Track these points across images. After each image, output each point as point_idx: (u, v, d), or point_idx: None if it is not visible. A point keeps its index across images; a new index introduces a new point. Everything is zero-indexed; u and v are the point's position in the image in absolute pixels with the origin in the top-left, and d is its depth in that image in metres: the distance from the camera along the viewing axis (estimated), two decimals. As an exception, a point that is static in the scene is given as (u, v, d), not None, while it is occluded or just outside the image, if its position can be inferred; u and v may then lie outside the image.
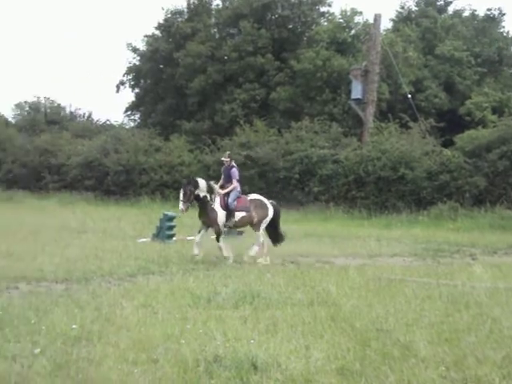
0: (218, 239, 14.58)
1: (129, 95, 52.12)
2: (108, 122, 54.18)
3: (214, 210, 14.57)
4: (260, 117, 39.47)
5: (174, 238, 18.35)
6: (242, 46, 43.23)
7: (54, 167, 41.91)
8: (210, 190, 14.69)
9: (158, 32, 49.57)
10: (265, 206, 15.16)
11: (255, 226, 15.08)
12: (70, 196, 37.38)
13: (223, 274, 12.10)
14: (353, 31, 41.60)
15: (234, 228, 15.78)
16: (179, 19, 48.45)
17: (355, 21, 41.72)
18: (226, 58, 44.54)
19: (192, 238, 16.28)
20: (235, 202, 14.81)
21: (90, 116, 60.60)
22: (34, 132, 50.73)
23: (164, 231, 18.19)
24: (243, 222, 15.11)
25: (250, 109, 42.03)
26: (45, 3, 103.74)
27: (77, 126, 52.32)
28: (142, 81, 51.17)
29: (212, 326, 7.74)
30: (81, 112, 61.25)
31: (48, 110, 59.52)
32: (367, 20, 39.97)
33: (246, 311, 8.77)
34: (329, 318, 8.38)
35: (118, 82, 51.06)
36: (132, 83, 51.11)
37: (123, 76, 50.97)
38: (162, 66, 48.17)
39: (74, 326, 7.64)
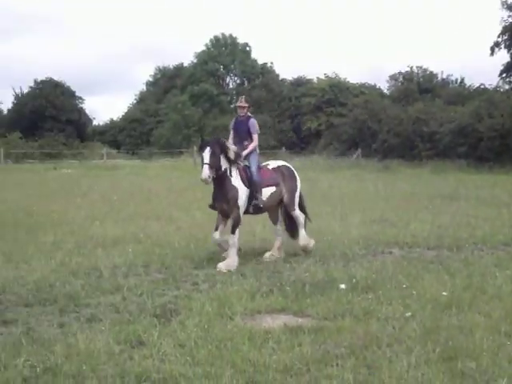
0: (233, 230, 10.05)
1: (504, 56, 49.32)
2: (482, 87, 52.34)
3: (234, 187, 10.17)
4: None
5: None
6: None
7: (426, 135, 42.15)
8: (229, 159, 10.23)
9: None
10: (293, 175, 11.09)
11: (288, 205, 10.90)
12: (442, 164, 37.20)
13: None
14: None
15: (257, 213, 10.88)
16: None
17: None
18: None
19: None
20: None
21: (462, 81, 59.52)
22: (407, 102, 51.65)
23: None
24: (272, 202, 10.79)
25: None
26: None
27: (449, 92, 51.69)
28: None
29: None
30: (453, 78, 60.57)
31: (420, 79, 59.98)
32: None
33: None
34: None
35: (492, 44, 48.77)
36: (508, 43, 48.28)
37: (498, 37, 48.42)
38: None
39: (444, 293, 7.62)
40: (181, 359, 5.40)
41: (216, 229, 10.24)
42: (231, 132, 10.92)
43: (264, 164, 10.92)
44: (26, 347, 5.68)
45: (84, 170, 36.72)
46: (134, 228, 13.42)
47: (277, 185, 10.66)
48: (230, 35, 68.45)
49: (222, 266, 9.63)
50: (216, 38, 68.25)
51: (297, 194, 10.99)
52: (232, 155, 10.01)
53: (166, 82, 71.80)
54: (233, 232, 10.03)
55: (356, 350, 5.72)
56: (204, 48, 68.31)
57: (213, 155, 9.76)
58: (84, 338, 5.90)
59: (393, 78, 62.45)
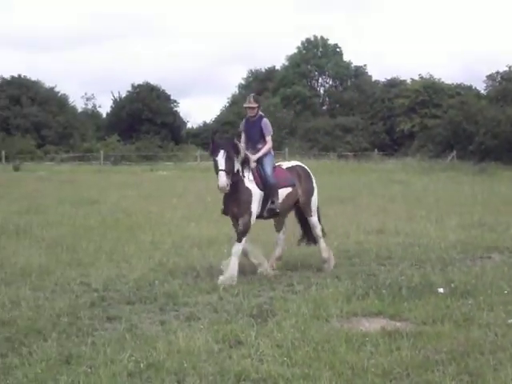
0: (240, 238, 9.10)
1: None
2: None
3: (247, 189, 9.24)
4: None
5: None
6: None
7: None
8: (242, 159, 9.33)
9: None
10: (309, 176, 10.11)
11: (304, 208, 9.94)
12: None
13: None
14: None
15: (271, 217, 9.85)
16: None
17: None
18: None
19: None
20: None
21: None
22: (505, 102, 49.81)
23: None
24: (289, 205, 9.82)
25: None
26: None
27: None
28: None
29: None
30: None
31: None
32: None
33: None
34: None
35: None
36: None
37: None
38: None
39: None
40: (278, 360, 5.45)
41: (245, 241, 9.20)
42: (242, 135, 9.84)
43: (277, 164, 9.98)
44: (130, 343, 5.90)
45: (179, 172, 37.56)
46: (227, 229, 13.61)
47: (293, 185, 9.73)
48: (322, 37, 68.36)
49: (222, 278, 8.68)
50: (308, 41, 68.31)
51: (314, 198, 9.97)
52: (242, 155, 9.12)
53: (258, 84, 72.43)
54: (239, 239, 9.07)
55: (457, 356, 5.59)
56: (296, 51, 68.55)
57: (228, 159, 8.83)
58: (184, 335, 6.05)
59: (490, 78, 60.41)
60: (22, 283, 8.42)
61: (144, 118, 65.90)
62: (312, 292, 8.04)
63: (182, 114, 74.27)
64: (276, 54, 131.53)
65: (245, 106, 9.75)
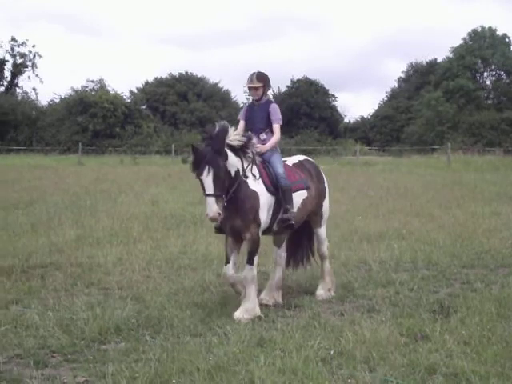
0: (251, 258, 6.96)
1: None
2: None
3: (253, 192, 7.01)
4: None
5: None
6: None
7: None
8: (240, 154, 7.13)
9: None
10: (320, 174, 8.11)
11: (314, 216, 7.95)
12: None
13: None
14: None
15: (283, 232, 7.70)
16: None
17: None
18: None
19: None
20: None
21: None
22: None
23: None
24: (304, 215, 7.70)
25: None
26: None
27: None
28: None
29: None
30: None
31: None
32: None
33: None
34: None
35: None
36: None
37: None
38: None
39: None
40: (468, 356, 5.39)
41: (227, 261, 7.06)
42: (241, 123, 7.78)
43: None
44: (318, 331, 6.11)
45: (338, 166, 37.63)
46: (396, 224, 13.52)
47: (307, 188, 7.66)
48: (490, 27, 65.17)
49: (238, 314, 6.72)
50: (474, 32, 65.44)
51: (326, 204, 8.05)
52: (236, 158, 6.92)
53: (419, 78, 70.76)
54: (250, 261, 6.94)
55: None
56: (461, 42, 65.98)
57: (217, 177, 6.55)
58: (368, 326, 6.17)
59: None
60: (207, 269, 8.96)
61: (302, 113, 66.79)
62: (492, 290, 7.83)
63: (339, 109, 74.42)
64: (438, 47, 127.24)
65: (247, 86, 7.70)
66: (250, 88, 7.66)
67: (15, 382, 5.02)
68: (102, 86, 64.04)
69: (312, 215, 7.85)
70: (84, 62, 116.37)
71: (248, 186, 6.94)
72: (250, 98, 8.04)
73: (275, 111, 7.63)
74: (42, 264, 9.34)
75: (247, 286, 6.87)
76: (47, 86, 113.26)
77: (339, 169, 35.29)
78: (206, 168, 6.51)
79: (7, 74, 70.46)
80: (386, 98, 76.23)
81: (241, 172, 6.92)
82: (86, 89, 63.25)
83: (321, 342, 5.68)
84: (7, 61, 69.64)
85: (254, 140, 7.19)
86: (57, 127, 58.53)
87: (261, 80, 7.57)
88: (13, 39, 69.25)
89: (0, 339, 5.90)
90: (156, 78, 70.16)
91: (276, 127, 7.62)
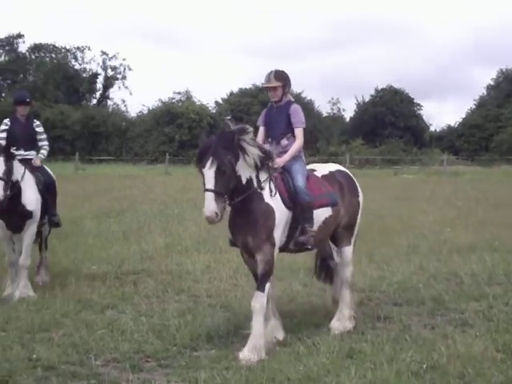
0: (263, 284, 6.05)
1: None
2: None
3: (268, 207, 6.17)
4: None
5: None
6: None
7: None
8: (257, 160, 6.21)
9: None
10: (354, 187, 7.21)
11: (342, 234, 7.02)
12: None
13: None
14: None
15: (300, 251, 6.93)
16: None
17: None
18: None
19: None
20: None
21: None
22: None
23: None
24: (325, 234, 6.84)
25: None
26: None
27: None
28: None
29: None
30: None
31: None
32: None
33: None
34: None
35: None
36: None
37: None
38: None
39: None
40: None
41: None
42: (260, 129, 7.00)
43: (308, 169, 6.93)
44: (409, 343, 6.01)
45: (424, 176, 36.98)
46: (487, 235, 13.14)
47: (334, 204, 6.77)
48: None
49: (245, 354, 5.80)
50: None
51: (358, 218, 7.21)
52: (256, 156, 6.12)
53: (509, 85, 68.44)
54: (261, 287, 6.05)
55: None
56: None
57: (220, 172, 5.83)
58: (461, 341, 6.01)
59: None
60: (293, 279, 8.98)
61: (387, 122, 65.84)
62: None
63: (424, 117, 72.92)
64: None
65: (264, 86, 6.94)
66: (267, 88, 6.88)
67: (114, 385, 5.21)
68: (188, 97, 65.38)
69: (341, 231, 6.98)
70: (171, 73, 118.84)
71: (263, 199, 6.16)
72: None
73: (296, 113, 6.81)
74: (134, 271, 9.67)
75: (254, 317, 5.96)
76: (136, 97, 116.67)
77: (425, 179, 34.66)
78: (210, 160, 5.80)
79: (99, 86, 73.51)
80: (473, 106, 74.11)
81: (255, 182, 6.16)
82: (173, 100, 64.72)
83: (412, 356, 5.58)
84: (99, 74, 72.68)
85: (272, 154, 6.39)
86: (145, 138, 60.08)
87: (279, 79, 6.79)
88: (104, 53, 72.16)
89: (97, 343, 6.12)
90: (240, 89, 70.95)
91: (298, 131, 6.77)
